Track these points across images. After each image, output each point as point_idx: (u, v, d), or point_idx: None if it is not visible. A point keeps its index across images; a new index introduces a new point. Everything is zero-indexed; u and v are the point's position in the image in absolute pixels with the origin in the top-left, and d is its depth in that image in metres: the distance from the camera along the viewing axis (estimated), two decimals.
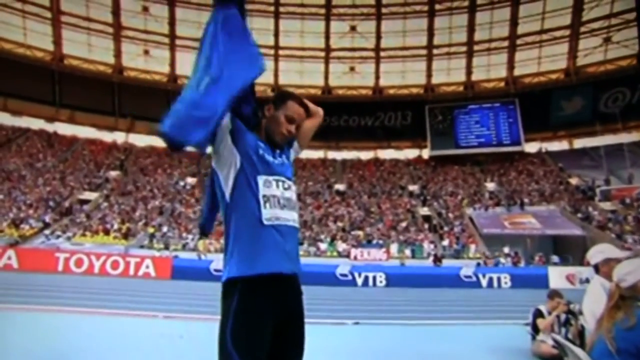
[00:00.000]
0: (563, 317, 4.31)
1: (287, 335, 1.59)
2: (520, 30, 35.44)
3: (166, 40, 37.11)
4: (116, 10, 35.25)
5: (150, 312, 7.39)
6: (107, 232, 22.07)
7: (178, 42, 37.21)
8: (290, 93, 1.82)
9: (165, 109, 1.58)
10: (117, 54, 36.89)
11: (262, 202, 1.60)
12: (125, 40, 36.76)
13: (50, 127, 35.46)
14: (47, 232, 21.31)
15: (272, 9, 36.17)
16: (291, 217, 1.66)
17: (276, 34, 37.16)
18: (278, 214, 1.61)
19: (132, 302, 8.84)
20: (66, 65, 35.90)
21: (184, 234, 23.08)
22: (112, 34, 36.17)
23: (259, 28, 36.97)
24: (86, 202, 26.32)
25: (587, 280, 3.48)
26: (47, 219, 22.97)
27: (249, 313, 1.49)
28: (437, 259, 20.20)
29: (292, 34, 37.37)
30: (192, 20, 36.35)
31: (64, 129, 35.86)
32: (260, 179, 1.62)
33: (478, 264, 19.62)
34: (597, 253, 2.94)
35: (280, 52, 37.99)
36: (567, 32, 34.41)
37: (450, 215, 26.90)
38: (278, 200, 1.63)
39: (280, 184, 1.67)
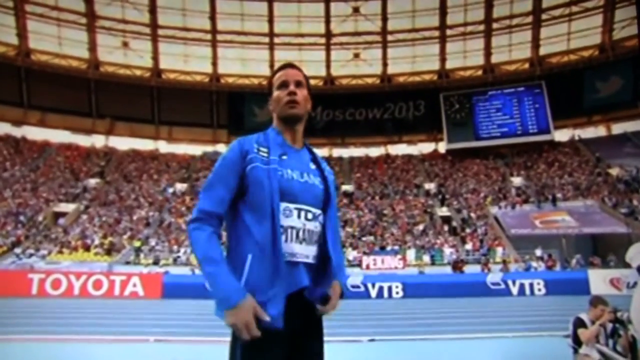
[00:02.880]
0: (610, 327, 4.26)
1: (304, 349, 1.62)
2: (546, 3, 35.20)
3: (147, 30, 37.25)
4: None
5: (139, 336, 7.39)
6: (87, 248, 22.16)
7: (160, 32, 37.34)
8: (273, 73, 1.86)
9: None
10: (92, 47, 37.06)
11: (278, 234, 1.59)
12: (100, 31, 36.92)
13: (17, 132, 35.61)
14: (17, 250, 21.40)
15: None
16: (310, 253, 1.65)
17: (270, 20, 37.21)
18: (294, 249, 1.60)
19: (118, 325, 8.86)
20: (34, 61, 36.07)
21: (175, 247, 23.15)
22: (86, 24, 36.32)
23: (251, 14, 37.11)
24: (62, 214, 26.46)
25: (635, 285, 3.44)
26: (18, 235, 23.09)
27: (258, 342, 1.50)
28: (457, 266, 20.12)
29: (288, 19, 37.39)
30: (175, 7, 36.51)
31: (34, 133, 36.01)
32: (280, 206, 1.60)
33: (497, 267, 19.54)
34: (638, 254, 2.91)
35: (276, 39, 38.05)
36: (600, 2, 34.07)
37: (473, 215, 26.83)
38: (297, 233, 1.62)
39: (303, 213, 1.64)
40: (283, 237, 1.58)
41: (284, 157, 1.68)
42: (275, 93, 1.78)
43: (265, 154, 1.66)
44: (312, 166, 1.77)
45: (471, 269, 20.14)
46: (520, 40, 37.18)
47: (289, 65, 1.84)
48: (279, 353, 1.53)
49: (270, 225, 1.55)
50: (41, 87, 35.54)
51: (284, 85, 1.77)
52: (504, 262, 20.96)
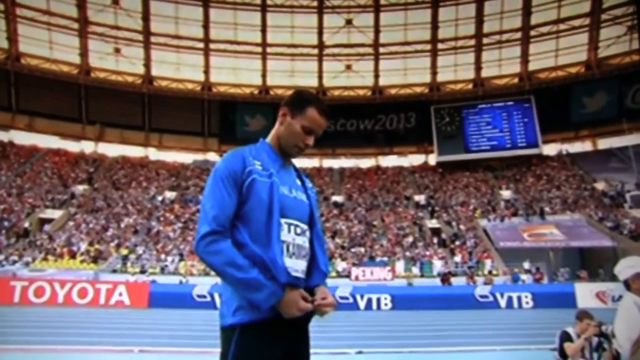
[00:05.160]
0: (595, 340, 4.29)
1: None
2: (535, 20, 36.01)
3: (140, 37, 37.23)
4: (81, 3, 35.29)
5: (124, 347, 7.28)
6: (73, 256, 21.82)
7: (153, 39, 37.35)
8: (312, 97, 1.76)
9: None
10: (84, 52, 36.92)
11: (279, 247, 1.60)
12: (92, 37, 36.81)
13: (5, 136, 35.18)
14: (0, 257, 21.03)
15: (258, 1, 36.45)
16: (299, 267, 1.66)
17: (263, 30, 37.43)
18: (285, 263, 1.62)
19: (103, 335, 8.72)
20: (24, 65, 35.80)
21: (162, 256, 22.90)
22: (77, 30, 36.21)
23: (244, 24, 37.31)
24: (49, 221, 26.07)
25: (620, 298, 3.52)
26: (7, 240, 22.66)
27: (249, 357, 1.52)
28: (445, 278, 20.16)
29: (281, 29, 37.66)
30: (168, 14, 36.57)
31: (22, 137, 35.59)
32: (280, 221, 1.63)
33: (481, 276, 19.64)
34: (627, 268, 2.96)
35: (269, 49, 38.25)
36: (586, 21, 34.99)
37: (462, 227, 26.98)
38: (287, 247, 1.63)
39: (292, 228, 1.67)
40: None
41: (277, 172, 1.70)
42: (298, 128, 1.71)
43: (260, 167, 1.65)
44: (298, 182, 1.80)
45: (460, 282, 20.21)
46: (510, 56, 37.87)
47: (326, 113, 1.76)
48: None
49: (272, 240, 1.57)
50: (30, 91, 35.24)
51: (311, 132, 1.73)
52: (490, 273, 21.12)
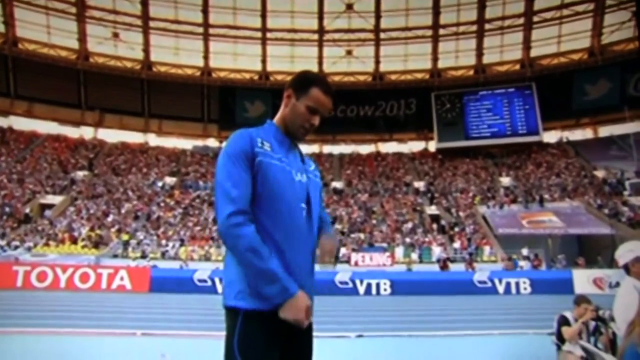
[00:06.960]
0: (592, 324, 4.34)
1: (296, 350, 1.64)
2: (538, 5, 35.59)
3: (138, 21, 36.83)
4: None
5: (126, 330, 7.36)
6: (74, 241, 21.93)
7: (152, 24, 36.95)
8: (315, 77, 1.76)
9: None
10: (82, 37, 36.55)
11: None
12: (90, 21, 36.41)
13: (4, 122, 35.06)
14: (2, 242, 21.12)
15: None
16: None
17: (263, 15, 37.03)
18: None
19: (105, 319, 8.80)
20: (21, 50, 35.48)
21: (163, 241, 23.01)
22: (75, 14, 35.78)
23: (244, 8, 36.88)
24: (49, 207, 26.14)
25: (617, 285, 3.55)
26: (3, 227, 22.75)
27: (254, 341, 1.53)
28: (444, 265, 20.27)
29: (281, 14, 37.25)
30: None
31: (21, 123, 35.49)
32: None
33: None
34: (627, 252, 2.97)
35: (268, 34, 37.88)
36: (590, 7, 34.57)
37: (461, 214, 27.06)
38: None
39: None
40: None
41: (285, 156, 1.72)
42: (303, 108, 1.71)
43: (269, 149, 1.65)
44: (301, 164, 1.80)
45: (459, 268, 20.35)
46: (512, 42, 37.54)
47: (330, 92, 1.76)
48: (275, 347, 1.56)
49: (291, 222, 1.60)
50: (29, 76, 34.99)
51: (316, 112, 1.72)
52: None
